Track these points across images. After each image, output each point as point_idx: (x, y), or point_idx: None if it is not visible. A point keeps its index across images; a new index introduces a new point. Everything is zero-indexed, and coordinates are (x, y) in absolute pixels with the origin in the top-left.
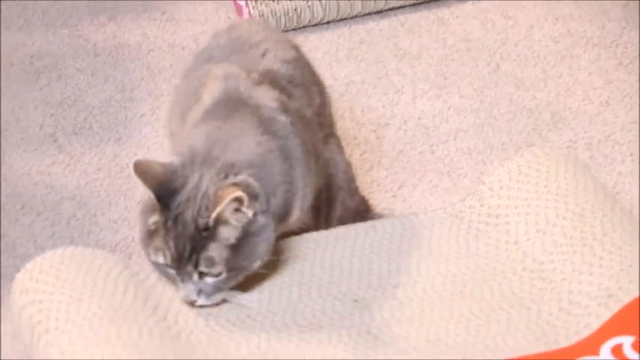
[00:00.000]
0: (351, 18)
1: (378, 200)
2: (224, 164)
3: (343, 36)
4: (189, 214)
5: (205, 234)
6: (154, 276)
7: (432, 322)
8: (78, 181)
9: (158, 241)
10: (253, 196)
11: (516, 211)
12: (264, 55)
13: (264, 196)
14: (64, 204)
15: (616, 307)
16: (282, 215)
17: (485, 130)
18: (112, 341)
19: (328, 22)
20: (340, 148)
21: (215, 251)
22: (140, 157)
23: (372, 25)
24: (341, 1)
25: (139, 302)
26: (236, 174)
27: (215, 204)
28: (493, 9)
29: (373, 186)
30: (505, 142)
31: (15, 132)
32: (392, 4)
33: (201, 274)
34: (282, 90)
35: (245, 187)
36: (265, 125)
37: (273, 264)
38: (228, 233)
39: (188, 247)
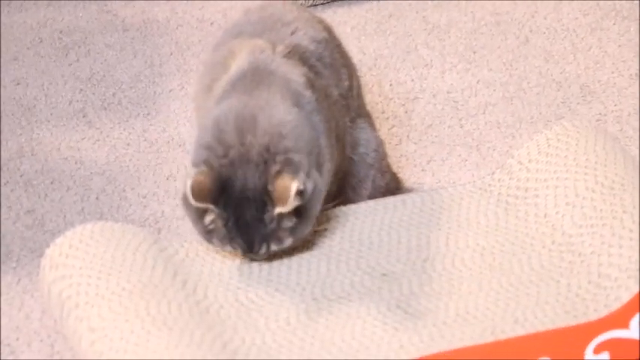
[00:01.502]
0: None
1: (407, 175)
2: (259, 152)
3: (372, 10)
4: (249, 214)
5: (272, 226)
6: (183, 251)
7: (460, 296)
8: (107, 157)
9: (221, 238)
10: (299, 172)
11: (545, 185)
12: (293, 32)
13: (305, 159)
14: (94, 179)
15: None
16: None
17: (515, 104)
18: (141, 316)
19: None
20: (372, 126)
21: (283, 233)
22: (169, 132)
23: None
24: None
25: (167, 277)
26: (274, 159)
27: (279, 201)
28: None
29: (402, 160)
30: (534, 116)
31: (44, 107)
32: None
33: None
34: (311, 67)
35: (292, 170)
36: (294, 97)
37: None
38: (289, 220)
39: (257, 238)
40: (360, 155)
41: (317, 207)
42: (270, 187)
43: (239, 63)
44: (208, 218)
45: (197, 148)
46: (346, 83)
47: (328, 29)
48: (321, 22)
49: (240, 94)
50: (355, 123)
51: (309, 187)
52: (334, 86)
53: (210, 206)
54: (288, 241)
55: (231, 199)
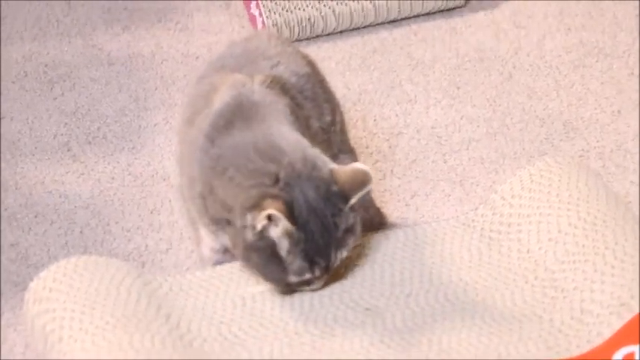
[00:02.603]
0: (364, 27)
1: (390, 209)
2: (303, 163)
3: (356, 45)
4: (321, 224)
5: (342, 227)
6: (167, 284)
7: (444, 331)
8: (91, 190)
9: (298, 264)
10: None
11: (528, 220)
12: (274, 66)
13: None
14: (78, 213)
15: (628, 316)
16: None
17: (498, 140)
18: (124, 350)
19: (341, 32)
20: (355, 161)
21: (349, 237)
22: (154, 166)
23: (385, 34)
24: (354, 11)
25: (151, 311)
26: (316, 166)
27: (351, 190)
28: (505, 19)
29: (386, 195)
30: (517, 152)
31: (29, 141)
32: (405, 14)
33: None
34: (292, 98)
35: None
36: (290, 123)
37: None
38: (352, 216)
39: (332, 250)
40: None
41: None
42: (334, 188)
43: (222, 98)
44: (283, 250)
45: (239, 192)
46: (328, 118)
47: (312, 64)
48: (305, 57)
49: (238, 130)
50: (338, 159)
51: None
52: (316, 119)
53: (293, 229)
54: (350, 244)
55: (301, 219)
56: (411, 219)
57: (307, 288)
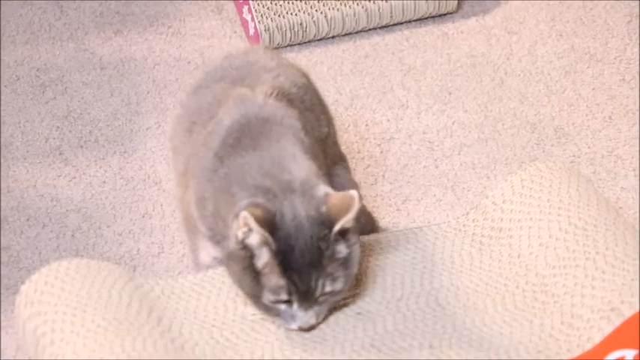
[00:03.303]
0: (356, 32)
1: (382, 214)
2: (300, 182)
3: (348, 50)
4: (304, 242)
5: (327, 253)
6: (158, 288)
7: (434, 336)
8: (83, 194)
9: (275, 280)
10: None
11: (519, 225)
12: (275, 77)
13: None
14: (69, 216)
15: (618, 321)
16: None
17: (489, 145)
18: (116, 353)
19: (333, 37)
20: (347, 169)
21: (335, 269)
22: (145, 170)
23: (377, 39)
24: (346, 16)
25: (143, 314)
26: (315, 187)
27: (337, 216)
28: (497, 25)
29: (377, 200)
30: (509, 157)
31: (21, 145)
32: (397, 19)
33: (322, 295)
34: (297, 108)
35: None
36: (300, 144)
37: None
38: (341, 247)
39: (312, 274)
40: None
41: (358, 252)
42: (323, 209)
43: (230, 114)
44: (261, 261)
45: (234, 205)
46: (325, 129)
47: (306, 76)
48: (299, 69)
49: (250, 149)
50: (330, 170)
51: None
52: (316, 130)
53: (270, 238)
54: (340, 281)
55: (285, 232)
56: (402, 224)
57: (293, 324)
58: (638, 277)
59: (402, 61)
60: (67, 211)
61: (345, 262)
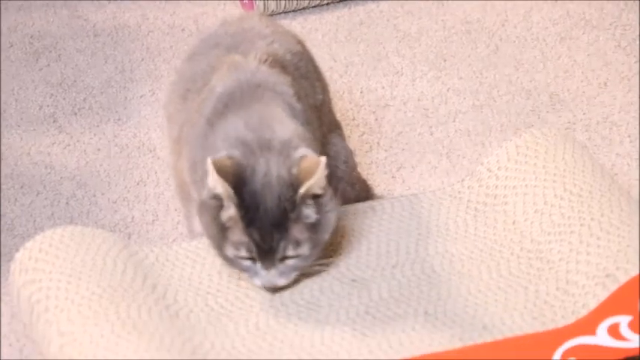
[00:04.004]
0: None
1: (377, 181)
2: (281, 142)
3: (343, 17)
4: (270, 201)
5: (292, 215)
6: (153, 255)
7: (429, 302)
8: (77, 162)
9: (238, 235)
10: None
11: (514, 192)
12: (270, 44)
13: None
14: (64, 184)
15: (613, 287)
16: None
17: (484, 112)
18: (111, 320)
19: (328, 4)
20: (341, 137)
21: (300, 232)
22: (140, 137)
23: (372, 6)
24: None
25: (137, 281)
26: (295, 148)
27: (304, 179)
28: None
29: (372, 167)
30: (504, 124)
31: (14, 112)
32: None
33: (285, 258)
34: (291, 75)
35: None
36: (290, 110)
37: None
38: (309, 211)
39: (275, 234)
40: (330, 168)
41: (333, 219)
42: (294, 170)
43: (223, 80)
44: (226, 214)
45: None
46: (320, 96)
47: (301, 43)
48: (294, 36)
49: (238, 111)
50: (326, 138)
51: (329, 192)
52: (310, 97)
53: (231, 191)
54: (305, 246)
55: (252, 188)
56: (397, 191)
57: (257, 281)
58: (633, 243)
59: (396, 28)
60: (61, 178)
61: (314, 228)
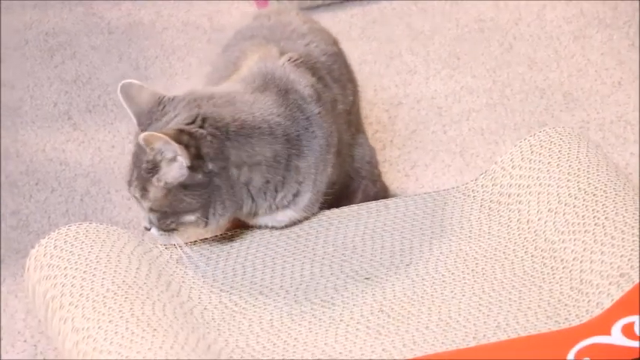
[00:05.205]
0: None
1: (390, 180)
2: (202, 114)
3: (356, 15)
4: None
5: (147, 166)
6: (167, 252)
7: (443, 301)
8: (92, 158)
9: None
10: (195, 150)
11: (528, 191)
12: (307, 44)
13: (222, 160)
14: (78, 181)
15: (627, 287)
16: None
17: (498, 110)
18: (125, 317)
19: (342, 2)
20: (366, 137)
21: (150, 185)
22: None
23: (385, 4)
24: None
25: (152, 278)
26: (200, 126)
27: (150, 140)
28: None
29: (386, 165)
30: (517, 123)
31: (29, 109)
32: None
33: (141, 200)
34: (320, 79)
35: (189, 139)
36: (286, 109)
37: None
38: (164, 175)
39: (134, 173)
40: (354, 169)
41: (191, 204)
42: (158, 132)
43: (250, 65)
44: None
45: None
46: (350, 98)
47: (337, 43)
48: (330, 35)
49: (239, 85)
50: (354, 138)
51: (198, 177)
52: (341, 102)
53: (133, 117)
54: (147, 202)
55: (152, 127)
56: (410, 189)
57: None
58: None
59: (410, 26)
60: (75, 175)
61: (166, 195)
